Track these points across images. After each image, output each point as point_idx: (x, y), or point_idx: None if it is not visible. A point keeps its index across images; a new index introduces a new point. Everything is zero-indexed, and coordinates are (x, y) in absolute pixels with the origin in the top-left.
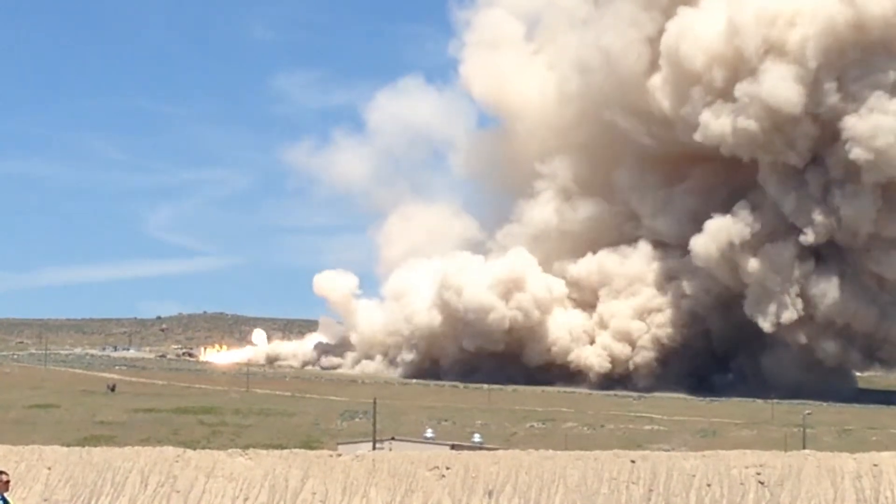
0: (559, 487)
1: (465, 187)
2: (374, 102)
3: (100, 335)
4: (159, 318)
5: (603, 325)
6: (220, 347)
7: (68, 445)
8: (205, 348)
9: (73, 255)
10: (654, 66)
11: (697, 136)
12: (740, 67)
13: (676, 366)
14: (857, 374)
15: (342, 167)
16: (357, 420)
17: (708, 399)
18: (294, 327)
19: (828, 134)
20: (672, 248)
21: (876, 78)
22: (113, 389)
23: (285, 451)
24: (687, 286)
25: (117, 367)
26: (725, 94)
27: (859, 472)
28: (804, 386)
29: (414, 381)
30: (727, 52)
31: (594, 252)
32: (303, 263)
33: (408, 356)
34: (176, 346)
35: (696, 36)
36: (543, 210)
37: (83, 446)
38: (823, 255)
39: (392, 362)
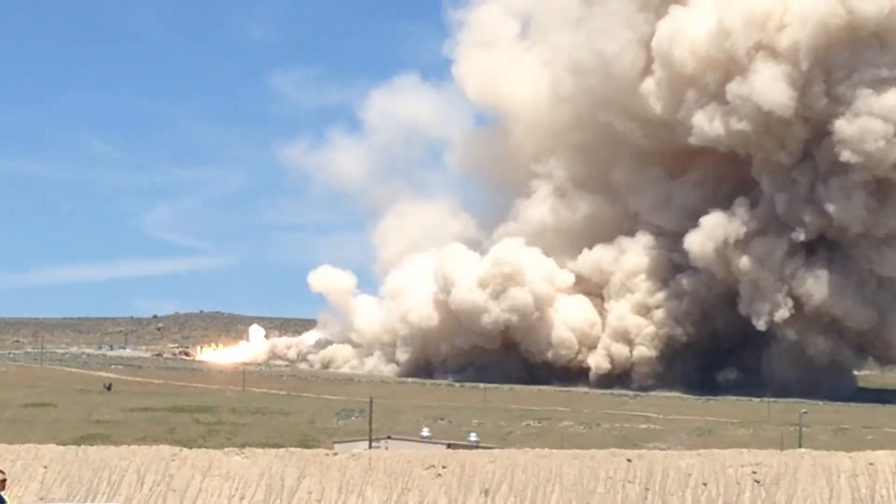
0: (555, 486)
1: (462, 185)
2: (370, 100)
3: (96, 334)
4: (156, 316)
5: (602, 323)
6: (217, 346)
7: (64, 444)
8: (201, 347)
9: (69, 253)
10: (648, 69)
11: (692, 140)
12: (731, 68)
13: (677, 364)
14: (854, 372)
15: (339, 165)
16: (353, 419)
17: (704, 398)
18: (291, 326)
19: (818, 134)
20: (671, 243)
21: (865, 78)
22: (109, 388)
23: (281, 450)
24: (686, 283)
25: (113, 366)
26: (718, 96)
27: (855, 471)
28: (804, 385)
29: (410, 379)
30: (718, 53)
31: (591, 249)
32: (299, 262)
33: (405, 354)
34: (172, 345)
35: (687, 38)
36: (540, 208)
37: (79, 445)
38: (816, 252)
39: (390, 359)
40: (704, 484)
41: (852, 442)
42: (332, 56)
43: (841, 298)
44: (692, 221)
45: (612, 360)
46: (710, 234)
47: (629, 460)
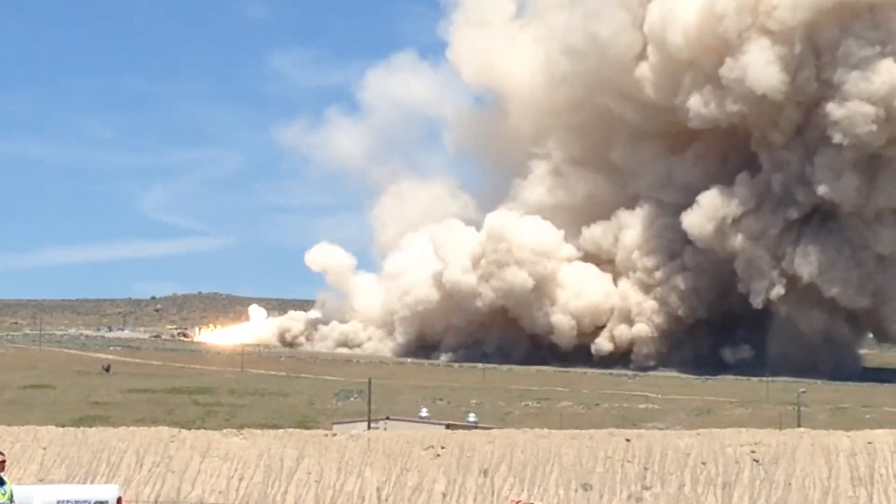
0: (554, 466)
1: (461, 165)
2: (367, 80)
3: (94, 316)
4: (154, 298)
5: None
6: (215, 327)
7: (63, 426)
8: (199, 328)
9: (67, 235)
10: (643, 52)
11: (691, 123)
12: (724, 51)
13: (679, 343)
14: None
15: (337, 146)
16: (352, 400)
17: (703, 377)
18: (289, 307)
19: (810, 115)
20: (672, 220)
21: (855, 60)
22: (108, 370)
23: (280, 431)
24: (687, 260)
25: (112, 348)
26: (712, 78)
27: (854, 450)
28: (806, 364)
29: (409, 360)
30: (711, 37)
31: (589, 227)
32: (298, 243)
33: (404, 334)
34: (170, 327)
35: (680, 21)
36: (538, 188)
37: (78, 427)
38: (810, 230)
39: (390, 335)
40: (703, 463)
41: (851, 421)
42: (330, 36)
43: (834, 276)
44: (693, 198)
45: (614, 341)
46: (707, 212)
47: (628, 440)
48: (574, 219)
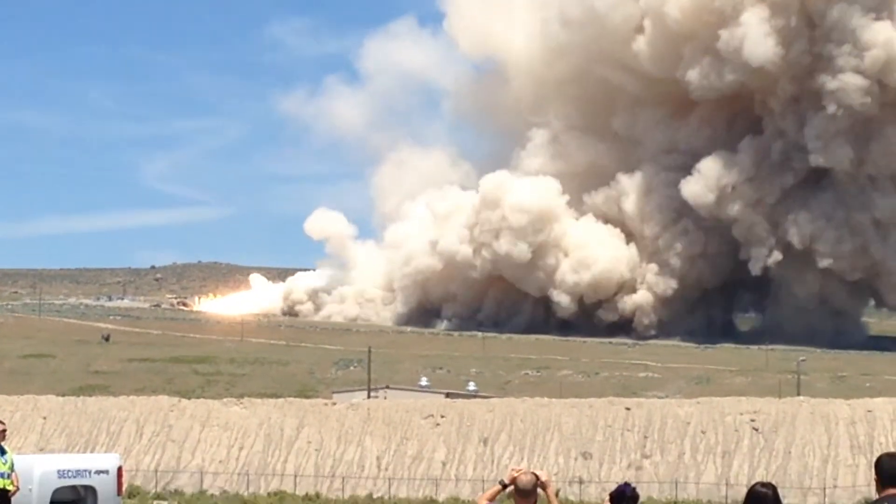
0: (554, 435)
1: (461, 132)
2: (367, 48)
3: (94, 285)
4: (154, 267)
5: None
6: (215, 296)
7: (63, 395)
8: (199, 298)
9: (67, 204)
10: (640, 24)
11: (693, 94)
12: (720, 21)
13: (687, 311)
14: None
15: (337, 114)
16: (352, 369)
17: (703, 346)
18: (289, 276)
19: (806, 85)
20: (673, 188)
21: (851, 28)
22: (107, 339)
23: (280, 400)
24: (691, 226)
25: (112, 317)
26: (710, 49)
27: (853, 418)
28: (810, 332)
29: (409, 328)
30: (706, 9)
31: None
32: (298, 212)
33: (404, 302)
34: (170, 296)
35: None
36: (538, 157)
37: (78, 396)
38: (805, 197)
39: (391, 303)
40: (703, 432)
41: (850, 389)
42: (329, 5)
43: (825, 245)
44: (696, 162)
45: (617, 310)
46: (707, 180)
47: (628, 409)
48: (575, 187)
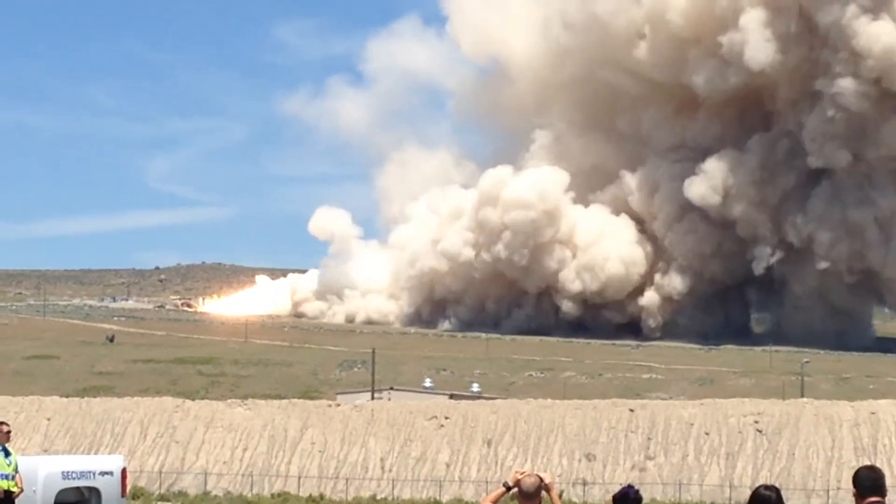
0: (558, 436)
1: (466, 132)
2: (370, 47)
3: (98, 286)
4: (157, 268)
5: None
6: (219, 297)
7: (67, 396)
8: (203, 299)
9: (71, 205)
10: (642, 28)
11: (701, 94)
12: (721, 25)
13: (697, 311)
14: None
15: (341, 115)
16: (356, 370)
17: (707, 347)
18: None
19: (805, 87)
20: (678, 185)
21: (849, 32)
22: (112, 340)
23: (284, 402)
24: (699, 224)
25: (116, 318)
26: (713, 52)
27: (857, 420)
28: (816, 334)
29: (412, 329)
30: (708, 13)
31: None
32: (301, 213)
33: (410, 302)
34: (174, 297)
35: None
36: (543, 157)
37: (82, 397)
38: (805, 197)
39: (396, 304)
40: (707, 433)
41: (854, 391)
42: (333, 5)
43: (824, 244)
44: (705, 157)
45: (625, 311)
46: (712, 180)
47: (632, 410)
48: (580, 187)
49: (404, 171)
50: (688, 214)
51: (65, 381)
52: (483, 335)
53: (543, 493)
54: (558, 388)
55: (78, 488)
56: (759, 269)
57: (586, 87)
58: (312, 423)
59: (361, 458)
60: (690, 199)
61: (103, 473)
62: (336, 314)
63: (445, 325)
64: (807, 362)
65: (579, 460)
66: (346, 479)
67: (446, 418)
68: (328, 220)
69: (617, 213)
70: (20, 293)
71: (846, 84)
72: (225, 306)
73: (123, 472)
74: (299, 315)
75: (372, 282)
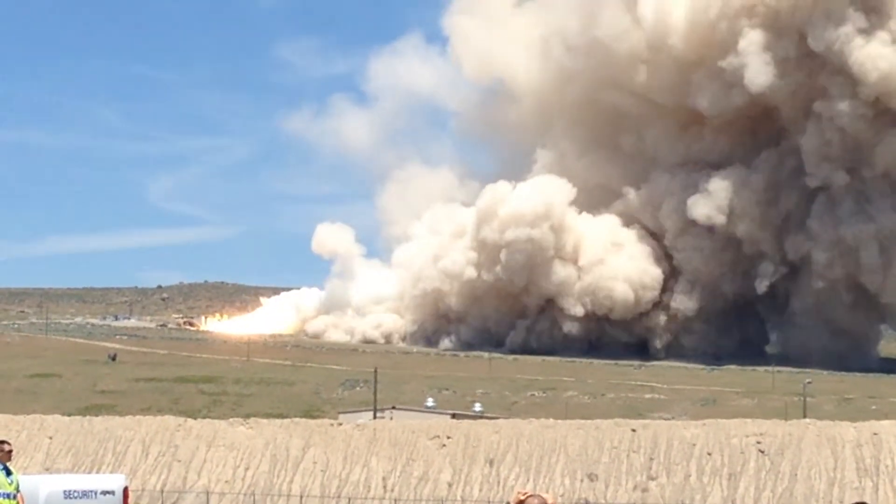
0: (560, 456)
1: (469, 151)
2: (373, 66)
3: (101, 304)
4: (160, 287)
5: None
6: (221, 317)
7: (69, 415)
8: (206, 317)
9: (74, 223)
10: (645, 54)
11: (707, 113)
12: (721, 50)
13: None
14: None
15: (344, 134)
16: (358, 389)
17: (709, 368)
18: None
19: (804, 109)
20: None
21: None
22: (114, 359)
23: (286, 420)
24: (705, 242)
25: (118, 337)
26: (716, 74)
27: (859, 441)
28: (819, 354)
29: (415, 349)
30: (707, 39)
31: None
32: (304, 232)
33: (413, 321)
34: (177, 316)
35: (676, 23)
36: (546, 176)
37: (84, 416)
38: (807, 215)
39: (400, 322)
40: (709, 454)
41: (857, 412)
42: (336, 25)
43: (821, 263)
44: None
45: (632, 331)
46: (717, 200)
47: (634, 430)
48: (584, 204)
49: (407, 189)
50: (694, 230)
51: (67, 399)
52: (485, 354)
53: None
54: (560, 407)
55: None
56: (761, 287)
57: (589, 107)
58: (315, 443)
59: (364, 478)
60: (695, 218)
61: (105, 492)
62: (339, 332)
63: (446, 343)
64: (809, 383)
65: (581, 480)
66: (349, 499)
67: (448, 438)
68: (330, 237)
69: (628, 224)
70: (23, 311)
71: (843, 107)
72: (230, 326)
73: (125, 491)
74: (303, 333)
75: (375, 300)
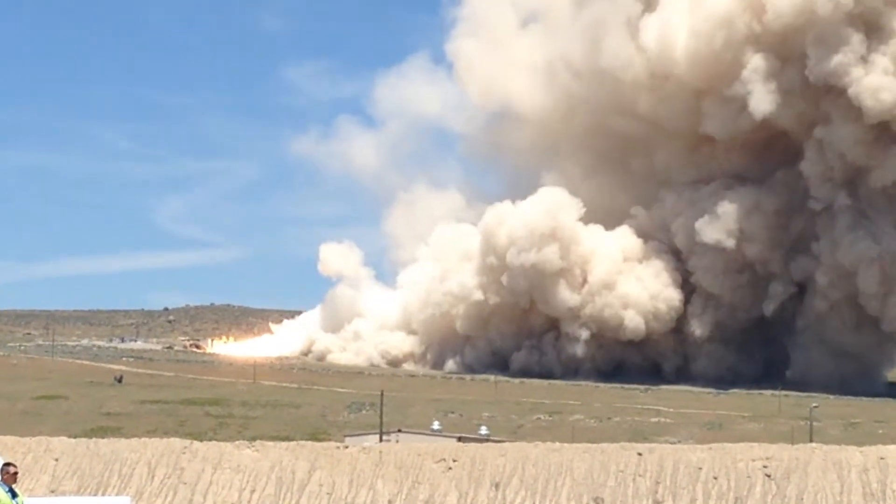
0: (566, 480)
1: (476, 173)
2: (379, 88)
3: (107, 326)
4: (166, 309)
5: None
6: (228, 339)
7: (75, 437)
8: (212, 340)
9: (80, 245)
10: (651, 82)
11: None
12: (726, 77)
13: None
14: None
15: (351, 157)
16: (364, 412)
17: (715, 391)
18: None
19: (808, 134)
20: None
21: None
22: (120, 381)
23: (292, 443)
24: (717, 262)
25: (124, 359)
26: (722, 100)
27: (866, 466)
28: (829, 380)
29: (421, 372)
30: (711, 69)
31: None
32: (311, 255)
33: (420, 343)
34: (183, 338)
35: (678, 51)
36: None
37: (90, 437)
38: (812, 237)
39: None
40: (715, 478)
41: (863, 436)
42: (345, 47)
43: (823, 286)
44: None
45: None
46: (726, 223)
47: (640, 454)
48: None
49: (413, 211)
50: (706, 250)
51: (73, 421)
52: (491, 377)
53: None
54: (567, 431)
55: None
56: (768, 309)
57: (597, 131)
58: (320, 465)
59: (369, 501)
60: (705, 242)
61: None
62: (347, 354)
63: (450, 364)
64: (815, 407)
65: None
66: None
67: (454, 461)
68: (336, 256)
69: (645, 239)
70: (29, 333)
71: (844, 133)
72: (235, 349)
73: None
74: (308, 354)
75: (382, 323)
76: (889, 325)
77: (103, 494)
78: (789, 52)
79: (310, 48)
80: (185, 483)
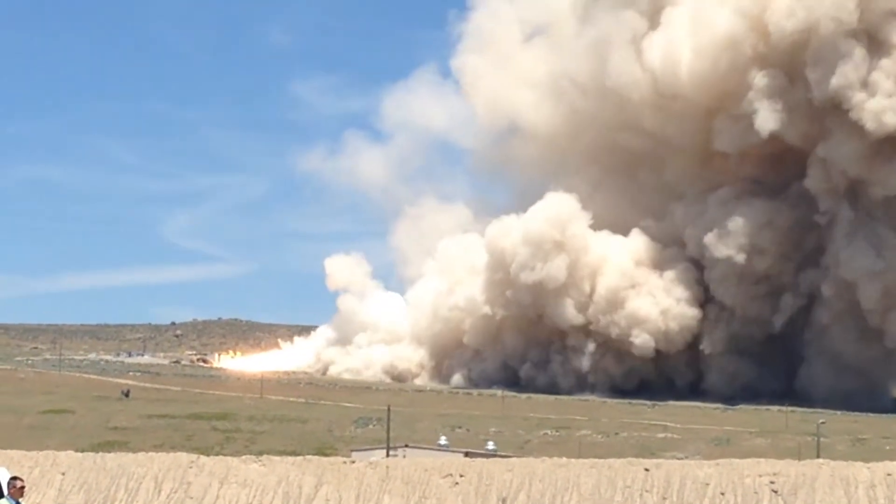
0: (573, 495)
1: (484, 187)
2: (386, 103)
3: (114, 341)
4: (174, 323)
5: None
6: (235, 354)
7: (82, 451)
8: (219, 354)
9: (87, 260)
10: (658, 101)
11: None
12: (733, 96)
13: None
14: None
15: (359, 172)
16: (371, 427)
17: (722, 407)
18: (309, 334)
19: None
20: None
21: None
22: (127, 395)
23: (299, 458)
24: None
25: (131, 373)
26: (730, 119)
27: (873, 482)
28: (837, 396)
29: (428, 386)
30: (716, 87)
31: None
32: (318, 269)
33: (429, 357)
34: (190, 352)
35: (683, 72)
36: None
37: (97, 452)
38: (818, 253)
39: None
40: (722, 493)
41: (870, 452)
42: (353, 62)
43: (826, 302)
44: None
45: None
46: (737, 238)
47: (647, 469)
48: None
49: (421, 225)
50: (718, 264)
51: (80, 435)
52: (499, 392)
53: None
54: (574, 446)
55: None
56: (778, 322)
57: (604, 147)
58: (327, 480)
59: None
60: (716, 257)
61: None
62: (351, 366)
63: (457, 378)
64: (823, 423)
65: None
66: None
67: (461, 476)
68: (342, 268)
69: (665, 245)
70: (36, 347)
71: (846, 149)
72: (243, 363)
73: None
74: (316, 367)
75: (389, 337)
76: (892, 342)
77: None
78: (794, 70)
79: (317, 63)
80: (192, 498)
